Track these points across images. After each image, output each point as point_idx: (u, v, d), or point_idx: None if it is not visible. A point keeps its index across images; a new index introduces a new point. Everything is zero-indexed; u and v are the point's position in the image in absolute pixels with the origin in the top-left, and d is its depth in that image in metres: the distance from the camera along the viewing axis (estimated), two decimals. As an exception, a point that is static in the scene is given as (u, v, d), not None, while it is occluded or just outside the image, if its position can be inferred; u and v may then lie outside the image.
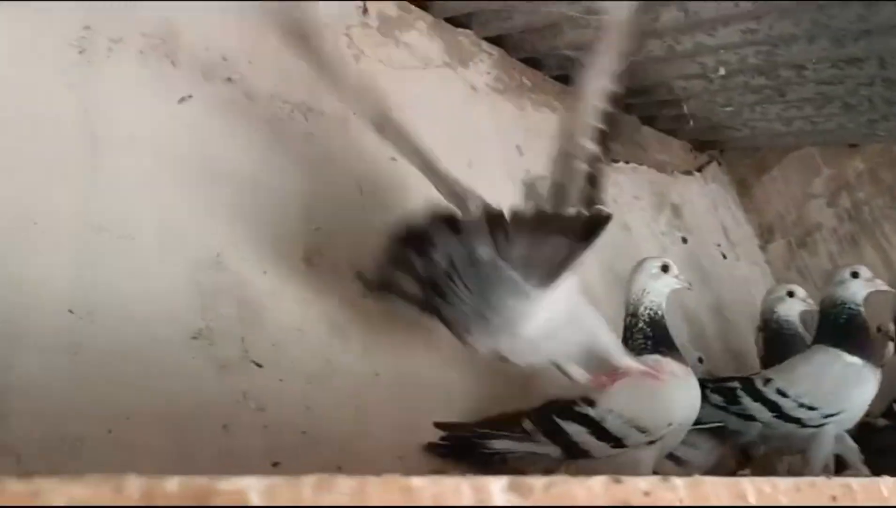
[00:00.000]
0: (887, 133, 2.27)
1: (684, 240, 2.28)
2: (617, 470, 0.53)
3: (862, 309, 1.48)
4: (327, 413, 1.11)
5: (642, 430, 1.14)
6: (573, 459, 1.15)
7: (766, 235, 2.63)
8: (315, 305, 1.21)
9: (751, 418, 1.41)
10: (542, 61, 2.16)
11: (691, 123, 2.43)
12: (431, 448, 1.19)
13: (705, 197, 2.56)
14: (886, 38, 1.68)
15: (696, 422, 1.27)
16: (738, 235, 2.59)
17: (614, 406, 1.14)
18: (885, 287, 1.56)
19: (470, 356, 1.42)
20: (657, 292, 1.35)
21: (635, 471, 1.11)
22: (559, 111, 2.13)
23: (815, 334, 1.53)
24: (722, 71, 1.98)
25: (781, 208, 2.60)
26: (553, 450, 1.16)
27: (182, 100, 1.26)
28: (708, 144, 2.69)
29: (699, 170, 2.64)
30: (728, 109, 2.27)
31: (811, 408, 1.37)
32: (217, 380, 1.03)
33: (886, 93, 1.97)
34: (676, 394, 1.21)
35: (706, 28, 1.80)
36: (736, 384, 1.46)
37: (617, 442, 1.15)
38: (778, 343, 1.71)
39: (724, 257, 2.42)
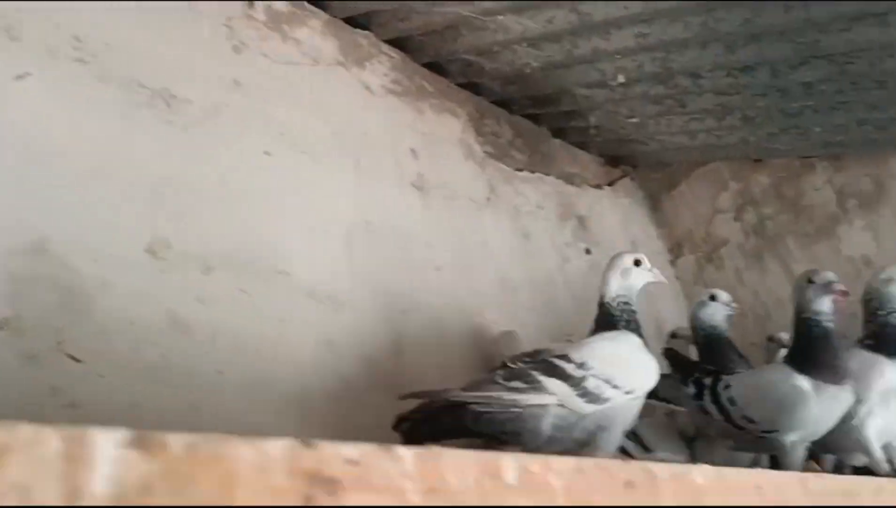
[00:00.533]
0: (788, 147, 2.28)
1: (588, 251, 2.25)
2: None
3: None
4: (157, 412, 1.02)
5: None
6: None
7: (675, 250, 2.63)
8: (153, 297, 1.12)
9: (706, 413, 1.44)
10: (445, 67, 2.12)
11: (598, 134, 2.42)
12: (403, 419, 1.15)
13: (616, 211, 2.55)
14: (775, 43, 1.68)
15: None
16: (648, 249, 2.57)
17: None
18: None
19: (331, 362, 1.36)
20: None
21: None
22: (462, 118, 2.10)
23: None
24: (621, 78, 1.97)
25: (690, 223, 2.60)
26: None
27: (20, 77, 1.18)
28: (620, 159, 2.68)
29: (610, 184, 2.62)
30: (633, 120, 2.26)
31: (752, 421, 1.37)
32: (22, 373, 0.93)
33: (782, 103, 1.98)
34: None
35: (600, 31, 1.78)
36: (708, 381, 1.46)
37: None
38: (708, 347, 1.73)
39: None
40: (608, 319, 1.29)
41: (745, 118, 2.11)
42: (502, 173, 2.12)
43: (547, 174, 2.32)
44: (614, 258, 1.34)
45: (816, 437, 1.37)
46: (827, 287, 1.36)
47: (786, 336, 1.87)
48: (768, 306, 2.36)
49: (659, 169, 2.71)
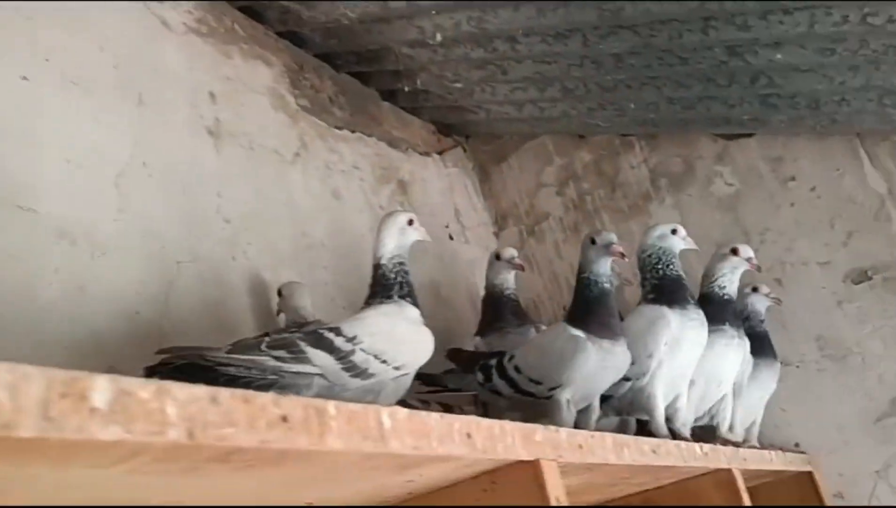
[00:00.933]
0: (608, 124, 2.31)
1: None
2: None
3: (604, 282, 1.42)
4: None
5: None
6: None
7: (500, 222, 2.62)
8: None
9: (498, 393, 1.38)
10: (263, 13, 1.99)
11: (428, 100, 2.37)
12: (151, 372, 1.04)
13: (442, 179, 2.50)
14: (583, 9, 1.67)
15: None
16: (473, 219, 2.56)
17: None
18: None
19: (80, 312, 1.23)
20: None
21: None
22: (276, 68, 1.98)
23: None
24: (439, 37, 1.92)
25: (516, 196, 2.60)
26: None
27: None
28: (453, 128, 2.65)
29: (440, 153, 2.58)
30: (458, 85, 2.22)
31: (538, 382, 1.33)
32: None
33: (597, 76, 1.99)
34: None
35: (412, -17, 1.72)
36: (493, 362, 1.41)
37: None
38: (492, 306, 1.76)
39: (452, 238, 2.37)
40: (385, 282, 1.24)
41: (564, 90, 2.12)
42: (317, 129, 2.02)
43: (369, 135, 2.24)
44: (389, 217, 1.29)
45: (595, 394, 1.37)
46: (607, 248, 1.36)
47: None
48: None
49: (490, 141, 2.69)
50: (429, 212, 2.33)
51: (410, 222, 1.29)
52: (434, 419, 0.71)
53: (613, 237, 1.38)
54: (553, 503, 0.82)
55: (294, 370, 1.07)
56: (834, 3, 1.47)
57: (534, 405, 1.36)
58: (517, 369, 1.36)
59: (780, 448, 1.88)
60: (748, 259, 1.63)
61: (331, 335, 1.11)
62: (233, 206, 1.62)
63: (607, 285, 1.36)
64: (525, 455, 0.82)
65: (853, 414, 1.90)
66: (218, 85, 1.76)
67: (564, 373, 1.30)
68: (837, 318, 1.96)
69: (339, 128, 2.13)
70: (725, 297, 1.65)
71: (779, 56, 1.68)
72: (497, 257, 1.77)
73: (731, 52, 1.72)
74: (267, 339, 1.10)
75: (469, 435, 0.75)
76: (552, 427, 0.89)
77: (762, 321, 1.84)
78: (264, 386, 1.04)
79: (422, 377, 1.38)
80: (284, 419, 0.56)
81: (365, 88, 2.35)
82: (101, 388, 0.45)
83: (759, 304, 1.85)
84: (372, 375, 1.11)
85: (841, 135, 2.03)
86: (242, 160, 1.72)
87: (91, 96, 1.44)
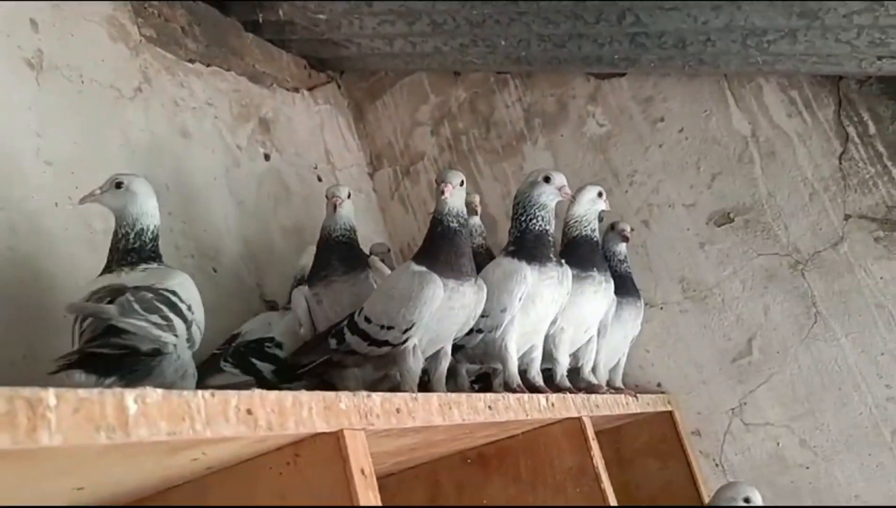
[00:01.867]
0: (481, 61, 2.23)
1: (266, 157, 2.07)
2: None
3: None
4: None
5: None
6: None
7: (374, 162, 2.53)
8: None
9: (353, 352, 1.28)
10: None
11: (294, 32, 2.23)
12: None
13: (311, 117, 2.37)
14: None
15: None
16: (346, 160, 2.45)
17: None
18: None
19: None
20: None
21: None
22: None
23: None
24: (293, -39, 1.78)
25: (391, 135, 2.50)
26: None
27: None
28: (327, 64, 2.51)
29: (310, 89, 2.44)
30: (322, 16, 2.09)
31: (389, 327, 1.24)
32: None
33: (464, 11, 1.90)
34: None
35: None
36: (344, 323, 1.30)
37: None
38: (324, 251, 1.56)
39: (320, 179, 2.26)
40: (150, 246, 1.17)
41: (433, 24, 2.01)
42: (163, 63, 1.85)
43: (227, 70, 2.09)
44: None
45: (445, 338, 1.31)
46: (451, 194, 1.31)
47: None
48: (455, 222, 2.34)
49: (366, 77, 2.57)
50: (294, 152, 2.21)
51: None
52: (201, 398, 0.63)
53: (453, 178, 1.33)
54: (357, 476, 0.76)
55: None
56: (693, -63, 1.41)
57: (386, 357, 1.30)
58: (367, 319, 1.28)
59: (644, 390, 1.91)
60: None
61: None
62: (54, 147, 1.46)
63: (455, 225, 1.30)
64: (325, 428, 0.75)
65: (712, 355, 1.93)
66: (42, 13, 1.58)
67: (414, 311, 1.23)
68: (700, 260, 1.97)
69: (192, 61, 1.96)
70: (594, 240, 1.62)
71: (643, -8, 1.62)
72: (326, 196, 1.59)
73: (596, -14, 1.66)
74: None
75: (250, 412, 0.67)
76: (363, 393, 0.82)
77: (623, 261, 1.82)
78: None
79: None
80: (-26, 415, 0.47)
81: (225, 18, 2.18)
82: None
83: (618, 243, 1.83)
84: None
85: (709, 76, 2.01)
86: (70, 96, 1.56)
87: None
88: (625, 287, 1.79)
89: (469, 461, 1.42)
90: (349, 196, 1.56)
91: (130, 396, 0.57)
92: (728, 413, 1.90)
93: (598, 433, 1.51)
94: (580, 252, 1.60)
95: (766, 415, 1.86)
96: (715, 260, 1.96)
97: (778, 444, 1.84)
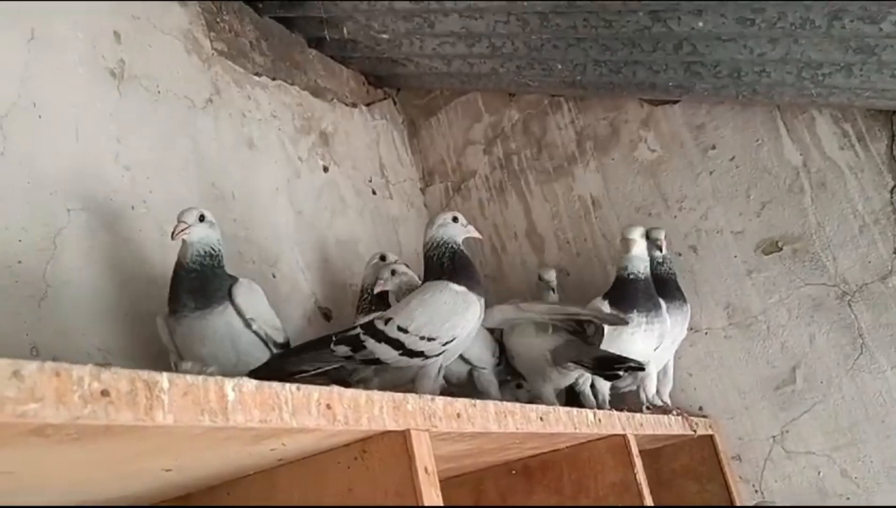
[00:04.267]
0: (536, 83, 2.29)
1: (325, 169, 2.14)
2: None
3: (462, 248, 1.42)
4: None
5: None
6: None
7: (427, 178, 2.59)
8: None
9: (376, 361, 1.29)
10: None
11: (356, 49, 2.31)
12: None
13: (368, 132, 2.45)
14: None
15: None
16: (400, 174, 2.52)
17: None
18: (476, 234, 1.49)
19: None
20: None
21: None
22: (192, 9, 1.89)
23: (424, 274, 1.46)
24: (361, -15, 1.86)
25: (444, 152, 2.57)
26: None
27: None
28: (384, 80, 2.59)
29: (368, 105, 2.52)
30: (385, 36, 2.16)
31: (430, 339, 1.29)
32: None
33: (524, 35, 1.96)
34: None
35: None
36: (358, 330, 1.31)
37: None
38: None
39: (375, 193, 2.33)
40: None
41: (492, 46, 2.08)
42: (233, 75, 1.94)
43: (291, 84, 2.17)
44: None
45: (460, 350, 1.39)
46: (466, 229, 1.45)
47: (552, 276, 1.90)
48: (504, 238, 2.39)
49: (421, 95, 2.65)
50: (351, 165, 2.28)
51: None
52: (289, 390, 0.69)
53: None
54: (421, 474, 0.81)
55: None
56: (753, -28, 1.45)
57: (405, 369, 1.34)
58: (401, 329, 1.32)
59: (686, 412, 1.93)
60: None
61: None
62: (132, 152, 1.55)
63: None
64: (394, 426, 0.81)
65: (755, 381, 1.95)
66: (123, 24, 1.68)
67: (458, 327, 1.29)
68: (747, 287, 1.99)
69: (259, 75, 2.05)
70: (630, 277, 1.69)
71: (700, 24, 1.66)
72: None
73: (654, 17, 1.70)
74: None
75: (329, 406, 0.73)
76: (427, 397, 0.87)
77: (661, 264, 1.86)
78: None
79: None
80: (105, 393, 0.53)
81: (290, 34, 2.28)
82: None
83: (653, 250, 1.86)
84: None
85: (762, 106, 2.04)
86: (147, 105, 1.65)
87: (-26, 29, 1.35)
88: (666, 289, 1.82)
89: (514, 472, 1.46)
90: (202, 219, 1.32)
91: (229, 384, 0.63)
92: (769, 440, 1.91)
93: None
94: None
95: (807, 444, 1.87)
96: (762, 288, 1.97)
97: (819, 473, 1.84)
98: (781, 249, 1.97)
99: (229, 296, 1.30)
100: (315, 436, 0.77)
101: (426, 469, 0.82)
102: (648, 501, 1.34)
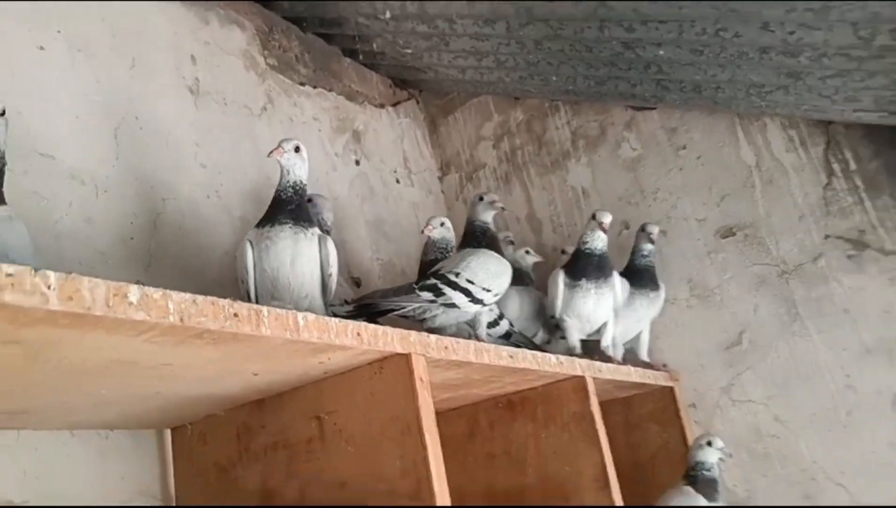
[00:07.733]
0: (537, 90, 2.69)
1: (357, 162, 2.57)
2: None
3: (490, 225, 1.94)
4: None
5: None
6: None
7: (444, 168, 3.01)
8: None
9: (452, 305, 1.66)
10: (238, -19, 2.31)
11: (384, 59, 2.72)
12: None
13: (394, 129, 2.87)
14: (502, 5, 2.03)
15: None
16: (420, 166, 2.94)
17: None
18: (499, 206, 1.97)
19: (89, 237, 1.60)
20: None
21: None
22: (249, 31, 2.32)
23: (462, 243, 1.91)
24: (388, 14, 2.26)
25: (459, 146, 2.98)
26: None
27: None
28: (407, 83, 3.00)
29: (394, 105, 2.94)
30: (408, 51, 2.57)
31: (488, 290, 1.71)
32: None
33: (523, 54, 2.35)
34: None
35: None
36: (434, 280, 1.68)
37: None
38: None
39: (398, 182, 2.76)
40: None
41: (497, 62, 2.48)
42: (282, 86, 2.37)
43: (329, 91, 2.60)
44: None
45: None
46: (492, 204, 1.91)
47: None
48: (508, 221, 2.80)
49: (441, 97, 3.06)
50: (379, 159, 2.70)
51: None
52: (334, 321, 1.12)
53: (495, 196, 1.84)
54: (418, 382, 1.24)
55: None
56: (696, 18, 1.84)
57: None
58: (469, 281, 1.70)
59: (652, 368, 2.33)
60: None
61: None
62: (208, 154, 1.98)
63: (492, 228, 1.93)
64: (400, 350, 1.23)
65: (710, 343, 2.35)
66: (198, 49, 2.11)
67: (504, 283, 1.75)
68: (706, 265, 2.38)
69: (303, 84, 2.48)
70: (587, 252, 2.08)
71: (661, 52, 2.05)
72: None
73: (625, 46, 2.09)
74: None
75: (359, 334, 1.16)
76: (424, 333, 1.30)
77: (645, 256, 2.27)
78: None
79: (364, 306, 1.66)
80: (236, 315, 0.96)
81: (329, 46, 2.69)
82: (134, 292, 0.85)
83: (644, 242, 2.27)
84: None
85: (724, 113, 2.42)
86: (217, 115, 2.08)
87: (94, 61, 1.79)
88: (640, 279, 2.23)
89: (500, 405, 1.89)
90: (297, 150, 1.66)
91: (300, 315, 1.06)
92: (719, 391, 2.32)
93: (611, 401, 2.07)
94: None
95: (749, 394, 2.27)
96: (718, 266, 2.37)
97: (756, 417, 2.25)
98: (735, 234, 2.35)
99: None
100: (348, 353, 1.20)
101: (421, 379, 1.25)
102: (599, 425, 1.76)
